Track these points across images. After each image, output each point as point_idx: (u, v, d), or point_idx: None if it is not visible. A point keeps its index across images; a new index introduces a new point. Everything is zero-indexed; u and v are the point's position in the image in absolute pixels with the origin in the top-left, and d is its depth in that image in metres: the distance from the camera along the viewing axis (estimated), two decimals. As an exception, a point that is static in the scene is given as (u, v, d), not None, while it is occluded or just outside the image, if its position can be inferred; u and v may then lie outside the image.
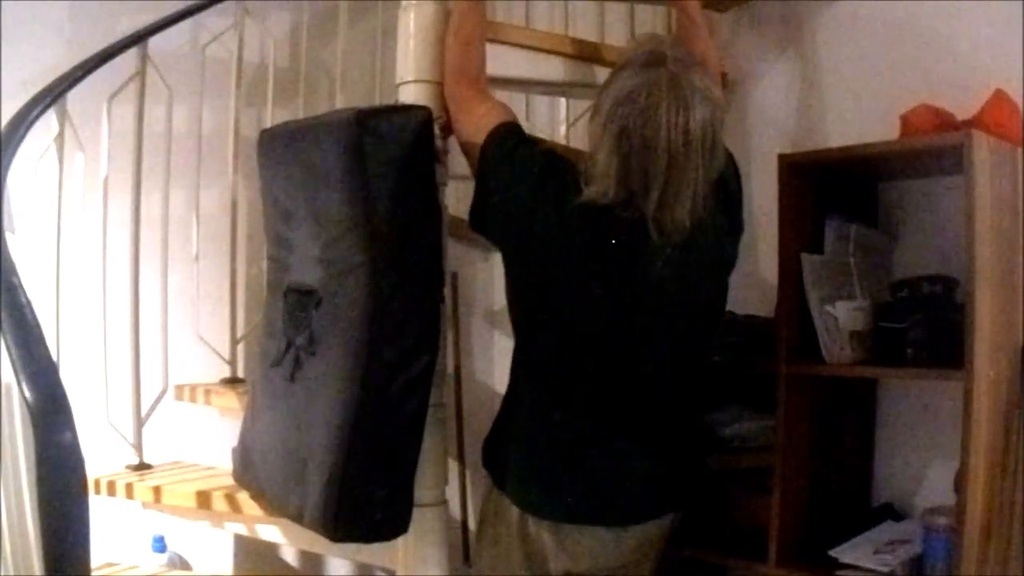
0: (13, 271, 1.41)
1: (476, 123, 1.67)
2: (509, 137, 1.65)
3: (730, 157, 1.69)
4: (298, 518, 1.70)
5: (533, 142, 1.70)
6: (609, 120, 1.50)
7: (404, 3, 1.78)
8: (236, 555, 2.72)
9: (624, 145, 1.48)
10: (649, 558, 1.76)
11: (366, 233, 1.59)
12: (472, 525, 2.52)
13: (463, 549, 2.54)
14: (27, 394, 1.22)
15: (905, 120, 1.92)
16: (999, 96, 1.84)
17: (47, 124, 2.06)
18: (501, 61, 1.86)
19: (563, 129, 2.73)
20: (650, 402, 1.68)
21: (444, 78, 1.74)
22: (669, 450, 1.73)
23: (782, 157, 1.92)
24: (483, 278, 2.93)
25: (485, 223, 1.68)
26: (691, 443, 1.81)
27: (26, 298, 1.36)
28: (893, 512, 2.00)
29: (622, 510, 1.69)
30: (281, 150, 1.83)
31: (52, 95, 2.01)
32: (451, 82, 1.73)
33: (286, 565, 2.86)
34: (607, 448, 1.66)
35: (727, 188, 1.68)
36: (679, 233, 1.52)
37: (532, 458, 1.69)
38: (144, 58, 2.27)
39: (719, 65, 2.06)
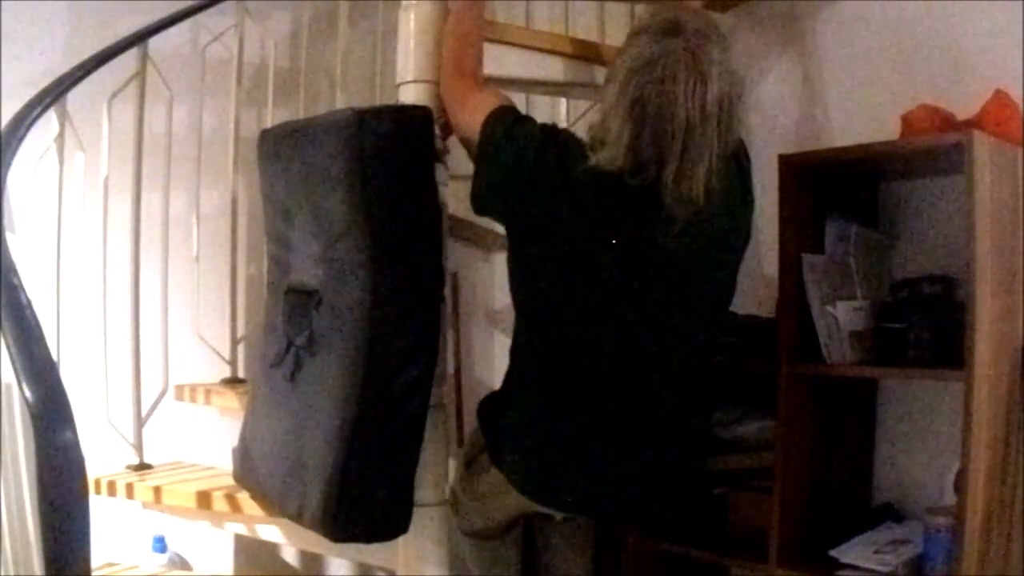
0: (13, 271, 1.40)
1: (472, 112, 1.66)
2: (506, 116, 1.64)
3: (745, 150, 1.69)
4: (298, 518, 1.70)
5: (531, 119, 1.68)
6: (624, 87, 1.48)
7: (404, 3, 1.78)
8: (236, 555, 2.72)
9: (638, 114, 1.46)
10: None
11: (366, 233, 1.59)
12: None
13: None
14: (27, 394, 1.22)
15: (905, 120, 1.92)
16: (999, 96, 1.84)
17: (47, 124, 2.06)
18: (501, 61, 1.86)
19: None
20: (650, 390, 1.64)
21: (440, 75, 1.74)
22: (658, 449, 1.70)
23: (782, 157, 1.92)
24: (483, 278, 2.93)
25: (488, 202, 1.66)
26: (680, 445, 1.76)
27: (26, 298, 1.36)
28: (893, 512, 2.00)
29: (612, 508, 1.72)
30: (281, 150, 1.83)
31: (52, 95, 2.01)
32: (447, 77, 1.73)
33: (286, 565, 2.86)
34: (602, 441, 1.65)
35: (739, 163, 1.65)
36: (693, 204, 1.49)
37: (526, 440, 1.69)
38: (144, 58, 2.27)
39: None
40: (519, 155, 1.59)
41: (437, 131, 1.67)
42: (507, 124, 1.62)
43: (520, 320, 1.69)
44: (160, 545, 2.61)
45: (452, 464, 1.84)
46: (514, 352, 1.73)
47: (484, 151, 1.63)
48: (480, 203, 1.66)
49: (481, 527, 1.94)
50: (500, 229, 2.34)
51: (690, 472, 1.84)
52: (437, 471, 1.76)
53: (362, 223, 1.60)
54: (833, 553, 1.82)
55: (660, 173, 1.48)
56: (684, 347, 1.66)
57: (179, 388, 2.45)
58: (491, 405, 1.79)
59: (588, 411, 1.64)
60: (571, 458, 1.66)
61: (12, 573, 1.62)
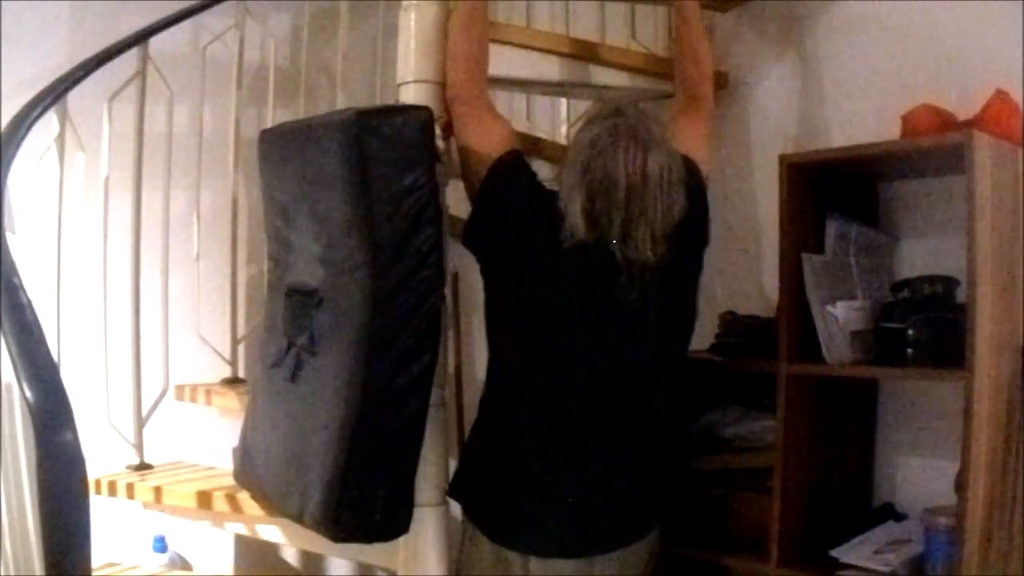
0: (13, 271, 1.41)
1: (485, 141, 1.73)
2: (514, 168, 1.73)
3: (696, 173, 1.78)
4: (299, 518, 1.70)
5: (533, 176, 1.77)
6: (574, 163, 1.63)
7: (405, 3, 1.78)
8: (237, 555, 2.72)
9: (587, 181, 1.60)
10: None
11: (367, 233, 1.59)
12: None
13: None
14: (28, 394, 1.23)
15: (906, 120, 1.92)
16: (999, 96, 1.84)
17: (48, 124, 2.06)
18: (501, 61, 1.86)
19: (563, 129, 2.73)
20: (626, 418, 1.71)
21: (450, 75, 1.75)
22: (645, 468, 1.74)
23: (783, 157, 1.92)
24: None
25: (476, 243, 1.75)
26: (669, 454, 1.81)
27: (26, 298, 1.36)
28: (894, 512, 2.00)
29: (595, 540, 1.69)
30: (282, 150, 1.83)
31: (53, 95, 2.01)
32: (461, 85, 1.74)
33: (286, 565, 2.86)
34: (581, 474, 1.68)
35: (688, 187, 1.70)
36: (644, 264, 1.62)
37: (503, 484, 1.70)
38: (145, 58, 2.27)
39: (713, 66, 2.08)
40: (514, 216, 1.71)
41: (437, 131, 1.67)
42: (512, 179, 1.73)
43: (493, 365, 1.77)
44: (160, 545, 2.61)
45: (452, 464, 1.83)
46: (487, 397, 1.78)
47: (484, 197, 1.72)
48: (469, 239, 1.76)
49: None
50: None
51: (677, 479, 1.86)
52: (437, 471, 1.76)
53: (362, 223, 1.60)
54: (833, 553, 1.82)
55: (609, 235, 1.61)
56: (654, 383, 1.74)
57: (179, 388, 2.45)
58: (462, 466, 1.80)
59: (560, 451, 1.68)
60: (541, 501, 1.67)
61: (12, 573, 1.62)
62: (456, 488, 1.77)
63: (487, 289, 1.77)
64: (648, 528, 1.75)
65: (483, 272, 1.77)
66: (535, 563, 1.66)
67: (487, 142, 1.72)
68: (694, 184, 1.73)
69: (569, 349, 1.68)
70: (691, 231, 1.72)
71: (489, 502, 1.73)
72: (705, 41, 1.96)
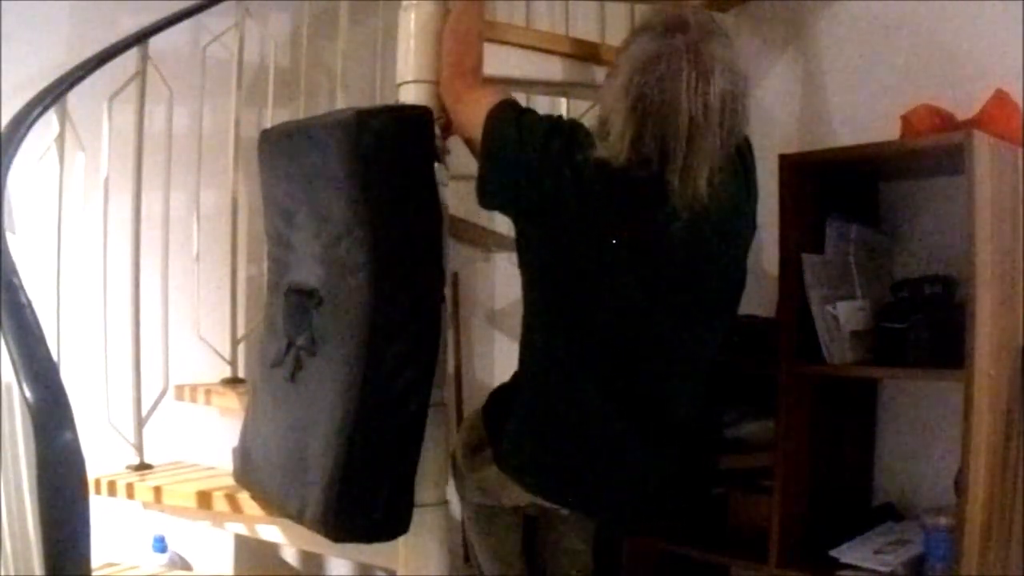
0: (13, 271, 1.41)
1: (474, 109, 1.64)
2: (508, 110, 1.63)
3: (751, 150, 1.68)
4: (299, 518, 1.70)
5: (533, 111, 1.68)
6: (627, 85, 1.48)
7: (404, 3, 1.78)
8: (237, 555, 2.72)
9: (641, 111, 1.46)
10: None
11: (366, 233, 1.59)
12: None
13: (463, 549, 2.54)
14: (27, 394, 1.22)
15: (906, 120, 1.92)
16: (999, 96, 1.84)
17: (48, 124, 2.06)
18: (501, 61, 1.86)
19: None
20: (663, 386, 1.64)
21: (441, 73, 1.73)
22: (671, 449, 1.69)
23: (783, 157, 1.92)
24: (483, 278, 2.93)
25: (496, 197, 1.65)
26: (693, 444, 1.75)
27: (26, 298, 1.36)
28: (893, 512, 2.00)
29: (624, 509, 1.71)
30: (282, 150, 1.83)
31: (53, 95, 2.01)
32: (447, 77, 1.72)
33: (286, 565, 2.86)
34: (615, 439, 1.64)
35: (743, 157, 1.65)
36: (697, 201, 1.49)
37: (536, 439, 1.68)
38: (145, 58, 2.27)
39: None
40: (524, 148, 1.58)
41: (437, 131, 1.67)
42: (510, 118, 1.61)
43: (530, 316, 1.68)
44: (160, 545, 2.61)
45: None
46: (524, 350, 1.71)
47: (489, 146, 1.61)
48: (488, 198, 1.64)
49: (482, 501, 1.92)
50: (500, 229, 2.36)
51: (702, 471, 1.83)
52: (437, 471, 1.76)
53: (362, 223, 1.60)
54: (833, 553, 1.82)
55: (663, 169, 1.48)
56: (695, 340, 1.65)
57: (179, 388, 2.45)
58: (498, 404, 1.78)
59: (600, 408, 1.62)
60: (584, 457, 1.65)
61: (12, 573, 1.62)
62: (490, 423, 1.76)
63: (517, 234, 1.66)
64: (670, 511, 1.78)
65: (516, 229, 1.66)
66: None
67: (479, 109, 1.63)
68: (747, 143, 1.64)
69: (607, 284, 1.56)
70: (744, 185, 1.63)
71: (527, 459, 1.68)
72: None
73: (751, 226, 1.69)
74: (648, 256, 1.56)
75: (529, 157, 1.57)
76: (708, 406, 1.78)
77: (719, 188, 1.50)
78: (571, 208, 1.55)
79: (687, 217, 1.51)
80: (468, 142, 1.70)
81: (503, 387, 1.81)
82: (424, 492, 1.70)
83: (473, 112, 1.64)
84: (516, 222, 1.67)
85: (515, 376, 1.76)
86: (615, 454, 1.65)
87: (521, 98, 2.65)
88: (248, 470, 1.93)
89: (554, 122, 1.63)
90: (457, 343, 2.53)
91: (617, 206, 1.54)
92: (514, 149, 1.59)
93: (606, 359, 1.61)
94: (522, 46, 1.95)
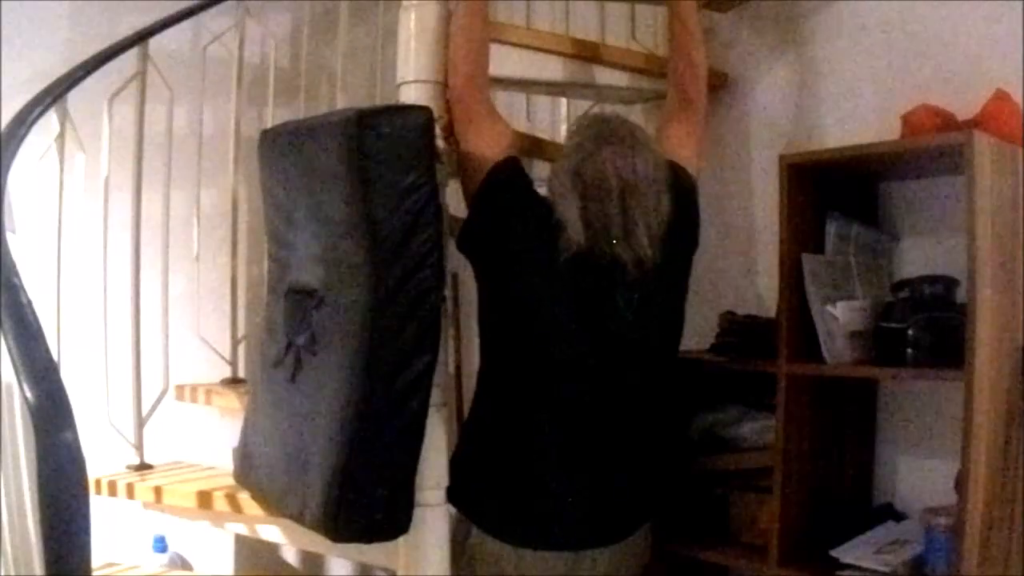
0: (13, 271, 1.41)
1: (484, 146, 1.74)
2: (510, 176, 1.73)
3: (684, 177, 1.80)
4: (299, 518, 1.70)
5: (530, 184, 1.78)
6: (563, 170, 1.67)
7: (405, 3, 1.78)
8: (237, 555, 2.72)
9: (579, 186, 1.64)
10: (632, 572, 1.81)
11: (367, 233, 1.59)
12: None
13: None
14: (28, 394, 1.23)
15: (906, 120, 1.92)
16: (1000, 96, 1.84)
17: (48, 124, 2.07)
18: (501, 61, 1.86)
19: (563, 129, 2.73)
20: (618, 419, 1.75)
21: (451, 77, 1.75)
22: (637, 466, 1.79)
23: (783, 157, 1.92)
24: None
25: (471, 249, 1.76)
26: (664, 453, 1.85)
27: (27, 298, 1.36)
28: (894, 512, 2.00)
29: (586, 535, 1.72)
30: (282, 150, 1.83)
31: (53, 95, 2.01)
32: (461, 87, 1.74)
33: (287, 565, 2.86)
34: (573, 472, 1.71)
35: (681, 219, 1.74)
36: (642, 266, 1.64)
37: (499, 480, 1.74)
38: (145, 58, 2.27)
39: (714, 66, 2.09)
40: (512, 226, 1.71)
41: (438, 131, 1.67)
42: (508, 183, 1.73)
43: (487, 367, 1.79)
44: (161, 545, 2.61)
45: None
46: (480, 395, 1.81)
47: (480, 204, 1.73)
48: (464, 244, 1.77)
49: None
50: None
51: (664, 504, 1.91)
52: (437, 471, 1.76)
53: (362, 223, 1.60)
54: (834, 553, 1.82)
55: (608, 237, 1.63)
56: (645, 388, 1.78)
57: (180, 388, 2.45)
58: (456, 465, 1.78)
59: (551, 447, 1.71)
60: (533, 494, 1.71)
61: (12, 573, 1.62)
62: (451, 489, 1.77)
63: (481, 293, 1.78)
64: (638, 524, 1.79)
65: (478, 277, 1.78)
66: (528, 556, 1.69)
67: (484, 146, 1.73)
68: (682, 187, 1.75)
69: (565, 355, 1.70)
70: (681, 234, 1.75)
71: (484, 498, 1.75)
72: (701, 42, 1.96)
73: (687, 274, 1.84)
74: (603, 328, 1.70)
75: (514, 238, 1.71)
76: (677, 422, 1.96)
77: (662, 249, 1.66)
78: (544, 288, 1.69)
79: (638, 289, 1.67)
80: (466, 164, 1.75)
81: (460, 454, 1.82)
82: (425, 492, 1.70)
83: (481, 148, 1.74)
84: (484, 278, 1.77)
85: (467, 425, 1.84)
86: (571, 491, 1.71)
87: (521, 98, 2.67)
88: (248, 470, 1.93)
89: (543, 202, 1.71)
90: (457, 343, 2.53)
91: (581, 287, 1.68)
92: (503, 222, 1.72)
93: (562, 403, 1.71)
94: (522, 46, 1.95)
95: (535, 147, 2.34)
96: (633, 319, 1.70)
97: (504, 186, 1.73)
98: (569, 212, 1.64)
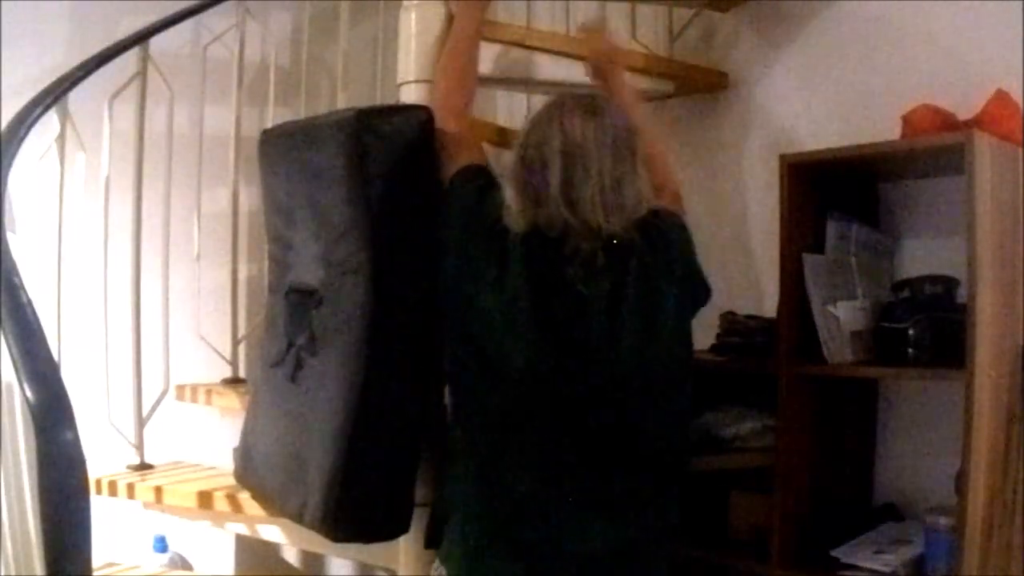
0: (14, 271, 1.41)
1: (457, 157, 1.64)
2: (465, 179, 1.61)
3: (682, 227, 1.63)
4: (299, 518, 1.70)
5: (488, 183, 1.61)
6: (515, 157, 1.53)
7: (405, 3, 1.78)
8: (237, 555, 2.72)
9: (521, 156, 1.51)
10: None
11: (367, 233, 1.59)
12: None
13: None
14: (28, 394, 1.23)
15: (906, 120, 1.92)
16: (1000, 96, 1.84)
17: (48, 124, 2.07)
18: (502, 61, 1.86)
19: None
20: (600, 464, 1.52)
21: (435, 100, 1.69)
22: (622, 523, 1.54)
23: (783, 157, 1.92)
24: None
25: (445, 241, 1.61)
26: (656, 514, 1.59)
27: (27, 298, 1.36)
28: (894, 512, 2.00)
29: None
30: (282, 150, 1.83)
31: (53, 95, 2.01)
32: (439, 109, 1.66)
33: (287, 565, 2.87)
34: (548, 518, 1.50)
35: (672, 262, 1.56)
36: (601, 229, 1.45)
37: (466, 525, 1.55)
38: (145, 58, 2.27)
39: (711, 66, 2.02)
40: (470, 224, 1.57)
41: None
42: (467, 186, 1.61)
43: (456, 400, 1.62)
44: (161, 545, 2.61)
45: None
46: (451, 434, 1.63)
47: (448, 207, 1.61)
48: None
49: None
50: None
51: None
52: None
53: (363, 223, 1.60)
54: (834, 553, 1.82)
55: (548, 199, 1.47)
56: (633, 432, 1.54)
57: (180, 388, 2.45)
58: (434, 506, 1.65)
59: (528, 493, 1.51)
60: (506, 545, 1.52)
61: (12, 573, 1.62)
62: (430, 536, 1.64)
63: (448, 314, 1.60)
64: None
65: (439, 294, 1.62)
66: None
67: (455, 160, 1.64)
68: (664, 223, 1.58)
69: (519, 363, 1.49)
70: (671, 263, 1.56)
71: (456, 542, 1.57)
72: (638, 110, 1.84)
73: (682, 328, 1.59)
74: (573, 352, 1.49)
75: (461, 236, 1.57)
76: (675, 479, 1.64)
77: (639, 234, 1.48)
78: (499, 310, 1.51)
79: (601, 318, 1.46)
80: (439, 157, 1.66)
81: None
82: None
83: (454, 159, 1.64)
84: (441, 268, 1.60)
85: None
86: (547, 544, 1.50)
87: (521, 98, 2.67)
88: (249, 470, 1.93)
89: (495, 197, 1.56)
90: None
91: (535, 271, 1.50)
92: (465, 219, 1.58)
93: (537, 441, 1.52)
94: (522, 46, 1.95)
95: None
96: (605, 318, 1.48)
97: (458, 191, 1.61)
98: (509, 188, 1.51)
